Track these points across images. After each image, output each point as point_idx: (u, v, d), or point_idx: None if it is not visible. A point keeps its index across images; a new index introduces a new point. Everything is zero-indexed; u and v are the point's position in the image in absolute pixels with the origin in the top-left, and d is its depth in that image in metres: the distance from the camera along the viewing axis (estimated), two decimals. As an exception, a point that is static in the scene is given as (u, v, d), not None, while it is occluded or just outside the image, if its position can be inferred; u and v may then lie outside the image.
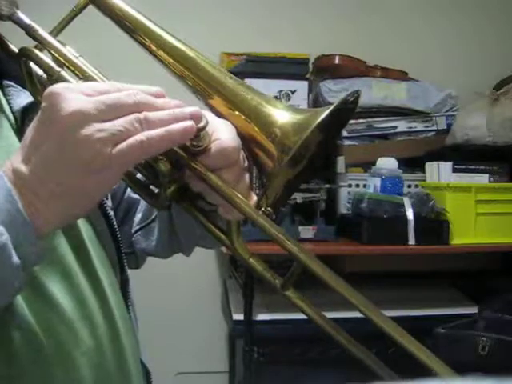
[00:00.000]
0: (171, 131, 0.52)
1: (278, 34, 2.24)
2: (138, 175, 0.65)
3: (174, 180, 0.58)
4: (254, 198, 0.59)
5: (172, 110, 0.54)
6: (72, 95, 0.51)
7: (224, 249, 1.80)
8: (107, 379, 0.65)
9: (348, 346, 0.56)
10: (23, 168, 0.52)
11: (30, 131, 0.53)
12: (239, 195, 0.56)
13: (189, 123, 0.53)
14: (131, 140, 0.51)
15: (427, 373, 0.51)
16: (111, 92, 0.52)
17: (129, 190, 0.85)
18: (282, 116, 0.58)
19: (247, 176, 0.59)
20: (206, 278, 2.27)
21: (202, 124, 0.55)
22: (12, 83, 0.70)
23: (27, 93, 0.67)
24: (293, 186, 0.63)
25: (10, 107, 0.68)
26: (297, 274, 0.57)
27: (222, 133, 0.57)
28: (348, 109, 0.60)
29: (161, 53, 0.62)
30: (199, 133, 0.55)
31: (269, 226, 0.56)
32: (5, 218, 0.50)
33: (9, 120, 0.68)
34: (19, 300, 0.58)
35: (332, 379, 1.79)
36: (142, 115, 0.52)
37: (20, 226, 0.51)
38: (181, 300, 2.23)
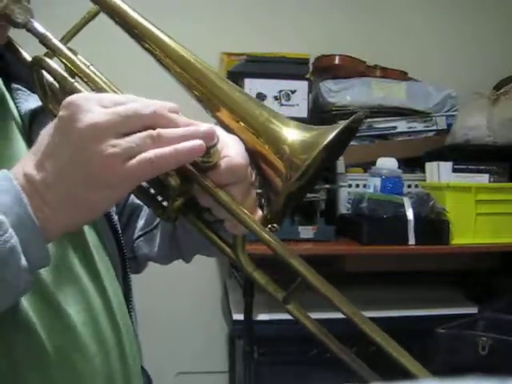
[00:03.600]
0: (180, 150, 0.52)
1: (277, 33, 2.24)
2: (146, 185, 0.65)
3: (182, 193, 0.58)
4: (260, 213, 0.59)
5: (187, 127, 0.54)
6: (90, 107, 0.51)
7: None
8: None
9: (348, 361, 0.57)
10: (34, 173, 0.52)
11: (44, 137, 0.53)
12: (246, 212, 0.57)
13: (198, 142, 0.53)
14: (141, 157, 0.51)
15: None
16: (128, 104, 0.53)
17: (132, 195, 0.85)
18: (290, 133, 0.58)
19: (254, 192, 0.60)
20: (206, 278, 2.27)
21: (212, 142, 0.55)
22: (20, 87, 0.70)
23: (35, 96, 0.67)
24: (294, 198, 0.63)
25: (18, 111, 0.69)
26: (300, 290, 0.58)
27: (232, 149, 0.57)
28: (352, 127, 0.61)
29: (169, 61, 0.62)
30: (209, 149, 0.55)
31: (275, 243, 0.56)
32: (14, 221, 0.51)
33: (17, 123, 0.68)
34: (24, 304, 0.59)
35: (331, 379, 1.79)
36: (155, 132, 0.52)
37: (29, 230, 0.51)
38: (181, 300, 2.23)
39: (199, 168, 0.56)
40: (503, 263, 2.13)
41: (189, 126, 0.54)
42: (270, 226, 0.57)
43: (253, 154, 0.59)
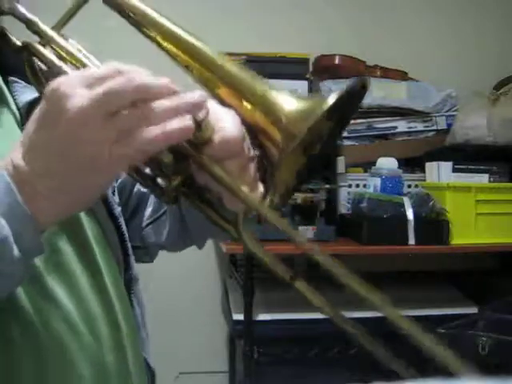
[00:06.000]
0: (169, 131, 0.51)
1: (277, 34, 2.24)
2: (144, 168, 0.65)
3: (178, 172, 0.57)
4: (261, 188, 0.58)
5: (175, 100, 0.53)
6: (73, 91, 0.50)
7: (224, 248, 1.81)
8: (105, 375, 0.65)
9: (360, 339, 0.56)
10: (23, 164, 0.52)
11: (30, 127, 0.53)
12: (243, 187, 0.55)
13: (187, 122, 0.52)
14: (129, 140, 0.50)
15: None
16: (110, 77, 0.51)
17: (138, 184, 0.85)
18: (288, 103, 0.56)
19: (253, 166, 0.58)
20: (205, 278, 2.27)
21: (202, 116, 0.54)
22: (17, 79, 0.70)
23: (32, 88, 0.67)
24: (303, 175, 0.61)
25: (16, 103, 0.69)
26: (305, 266, 0.56)
27: (226, 122, 0.56)
28: (357, 96, 0.59)
29: (166, 44, 0.61)
30: (201, 123, 0.54)
31: (274, 217, 0.54)
32: (5, 211, 0.51)
33: (14, 115, 0.68)
34: (21, 296, 0.59)
35: (332, 379, 1.79)
36: (141, 111, 0.51)
37: (20, 219, 0.51)
38: (181, 300, 2.23)
39: (192, 143, 0.55)
40: (503, 263, 2.13)
41: (177, 98, 0.53)
42: (268, 200, 0.55)
43: (251, 128, 0.57)
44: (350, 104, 0.58)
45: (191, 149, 0.55)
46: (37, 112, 0.53)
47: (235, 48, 2.06)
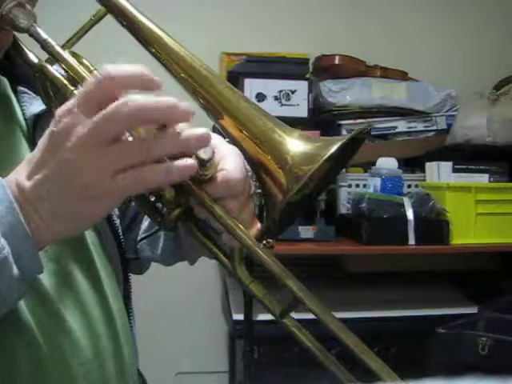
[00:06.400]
0: (171, 170, 0.52)
1: (277, 33, 2.24)
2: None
3: (179, 204, 0.59)
4: (258, 225, 0.59)
5: (180, 136, 0.52)
6: (78, 120, 0.51)
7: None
8: None
9: (342, 379, 0.58)
10: (26, 184, 0.53)
11: (37, 149, 0.53)
12: (241, 227, 0.56)
13: (190, 163, 0.52)
14: (129, 174, 0.51)
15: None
16: (108, 99, 0.51)
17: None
18: (293, 144, 0.57)
19: (252, 204, 0.60)
20: (206, 278, 2.27)
21: (207, 156, 0.55)
22: (26, 89, 0.70)
23: (40, 99, 0.67)
24: (295, 210, 0.63)
25: (23, 114, 0.69)
26: (295, 306, 0.58)
27: (229, 162, 0.57)
28: (357, 142, 0.60)
29: (175, 67, 0.61)
30: (205, 162, 0.55)
31: (269, 260, 0.56)
32: (6, 230, 0.51)
33: (21, 127, 0.68)
34: (23, 308, 0.59)
35: (332, 379, 1.78)
36: (145, 145, 0.51)
37: (20, 239, 0.52)
38: (181, 300, 2.23)
39: (195, 180, 0.56)
40: (503, 263, 2.13)
41: (181, 135, 0.53)
42: (265, 242, 0.57)
43: (254, 164, 0.58)
44: (349, 149, 0.60)
45: (193, 185, 0.56)
46: (45, 135, 0.53)
47: (235, 48, 2.06)
